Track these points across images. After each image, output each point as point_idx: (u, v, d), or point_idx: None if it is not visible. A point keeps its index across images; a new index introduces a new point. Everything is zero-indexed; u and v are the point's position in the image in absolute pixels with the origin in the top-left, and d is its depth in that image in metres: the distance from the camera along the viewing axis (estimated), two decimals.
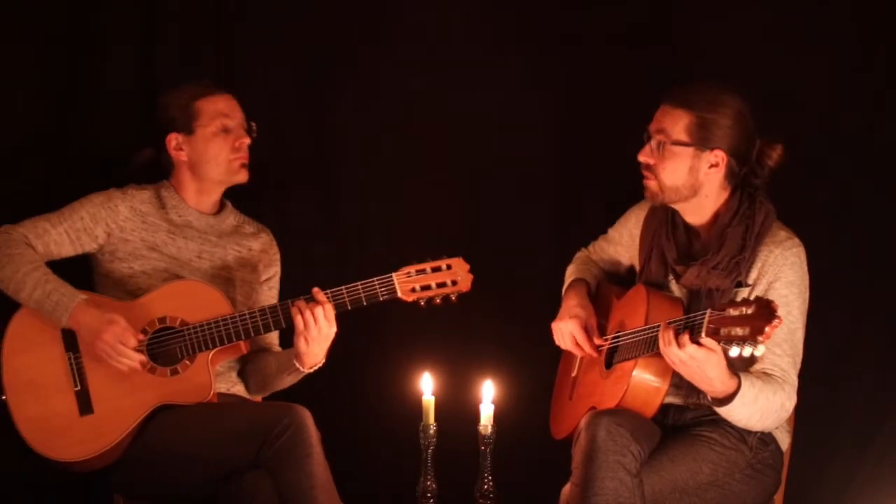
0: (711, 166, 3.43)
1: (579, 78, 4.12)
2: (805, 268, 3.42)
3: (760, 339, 3.03)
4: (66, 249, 3.61)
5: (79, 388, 3.49)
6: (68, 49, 4.05)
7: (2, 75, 4.00)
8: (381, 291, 3.50)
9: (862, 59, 3.96)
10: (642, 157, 3.45)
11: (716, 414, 3.40)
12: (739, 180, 3.45)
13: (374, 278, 3.50)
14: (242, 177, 3.70)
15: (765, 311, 3.04)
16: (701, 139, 3.41)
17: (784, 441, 3.52)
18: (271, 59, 4.17)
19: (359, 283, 3.50)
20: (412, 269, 3.52)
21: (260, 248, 3.78)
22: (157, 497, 3.53)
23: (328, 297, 3.47)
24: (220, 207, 3.77)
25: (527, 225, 4.19)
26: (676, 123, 3.41)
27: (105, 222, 3.62)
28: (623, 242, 3.74)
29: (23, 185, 4.02)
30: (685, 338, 3.19)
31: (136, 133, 4.06)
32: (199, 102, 3.65)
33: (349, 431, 4.16)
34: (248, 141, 3.69)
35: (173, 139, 3.67)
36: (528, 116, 4.16)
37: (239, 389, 3.70)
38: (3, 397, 3.49)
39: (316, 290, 3.49)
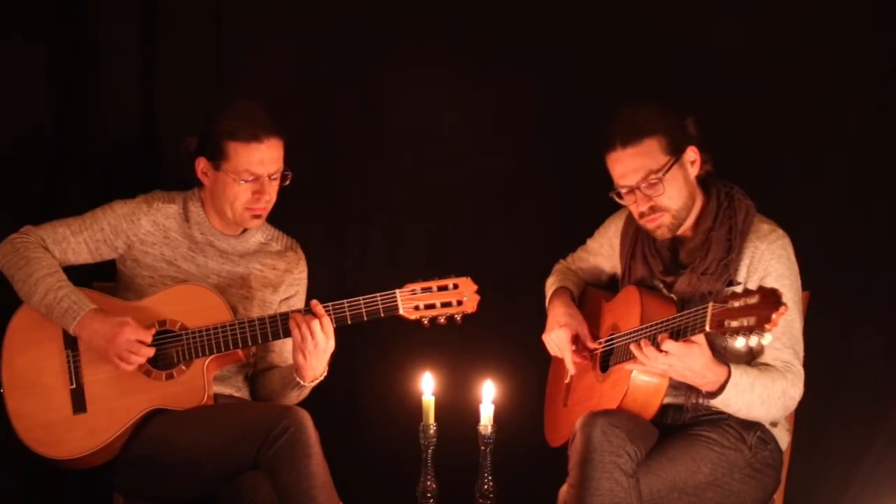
0: (692, 164, 3.43)
1: (578, 91, 4.12)
2: (793, 258, 3.41)
3: (768, 327, 3.02)
4: (84, 258, 3.61)
5: (74, 386, 3.49)
6: (68, 48, 4.06)
7: (2, 75, 4.00)
8: (383, 307, 3.45)
9: (862, 58, 3.96)
10: (643, 206, 3.38)
11: (715, 413, 3.41)
12: (704, 174, 3.44)
13: (378, 294, 3.46)
14: (253, 225, 3.62)
15: (770, 300, 3.04)
16: (676, 149, 3.40)
17: (784, 441, 3.51)
18: (272, 75, 4.17)
19: (361, 297, 3.45)
20: (417, 286, 3.47)
21: (284, 268, 3.71)
22: (156, 497, 3.53)
23: (328, 311, 3.44)
24: (246, 228, 3.69)
25: (526, 228, 4.19)
26: (653, 154, 3.37)
27: (126, 234, 3.60)
28: (603, 253, 3.73)
29: (22, 185, 4.02)
30: (665, 340, 3.19)
31: (137, 132, 4.09)
32: (235, 145, 3.52)
33: (349, 431, 4.17)
34: (269, 197, 3.56)
35: (201, 163, 3.59)
36: (531, 129, 4.17)
37: (244, 395, 3.69)
38: (1, 390, 3.50)
39: (314, 302, 3.45)
